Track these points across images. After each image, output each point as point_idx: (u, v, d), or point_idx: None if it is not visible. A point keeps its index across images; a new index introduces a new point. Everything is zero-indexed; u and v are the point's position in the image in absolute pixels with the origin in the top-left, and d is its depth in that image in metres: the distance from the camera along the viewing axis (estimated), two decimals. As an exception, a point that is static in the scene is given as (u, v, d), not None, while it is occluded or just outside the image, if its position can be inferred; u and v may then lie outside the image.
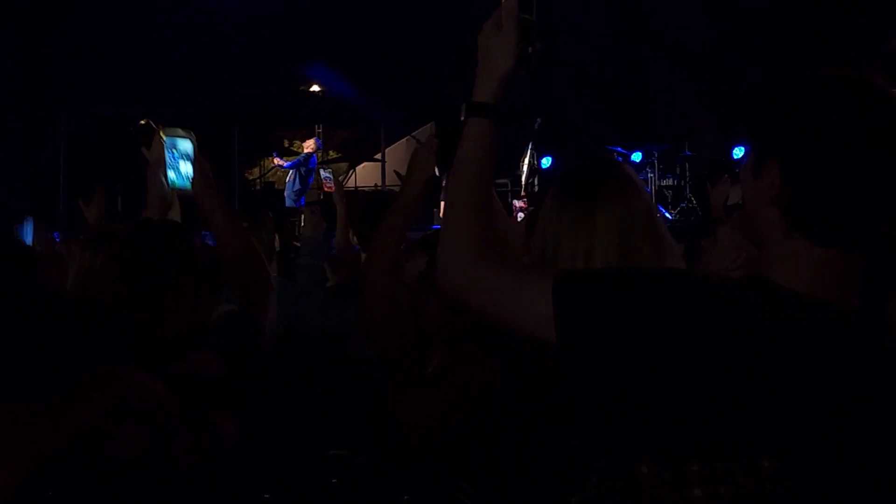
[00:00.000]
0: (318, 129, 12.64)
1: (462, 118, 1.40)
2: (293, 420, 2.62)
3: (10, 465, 1.50)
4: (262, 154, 13.67)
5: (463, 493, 1.83)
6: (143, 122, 2.62)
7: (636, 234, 1.66)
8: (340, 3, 11.52)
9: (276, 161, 12.19)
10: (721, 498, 1.11)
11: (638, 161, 10.62)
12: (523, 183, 9.92)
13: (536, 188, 10.09)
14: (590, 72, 11.57)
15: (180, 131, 2.38)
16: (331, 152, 13.94)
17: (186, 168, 2.35)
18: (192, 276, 2.06)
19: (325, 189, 4.84)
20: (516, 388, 1.81)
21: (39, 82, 10.65)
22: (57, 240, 6.46)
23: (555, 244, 1.68)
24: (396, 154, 13.20)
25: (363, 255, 3.35)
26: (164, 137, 2.34)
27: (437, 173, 2.31)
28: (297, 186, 11.51)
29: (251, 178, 13.98)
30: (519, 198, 8.56)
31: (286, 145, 13.72)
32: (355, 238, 3.75)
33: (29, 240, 4.36)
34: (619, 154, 10.22)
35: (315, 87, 13.41)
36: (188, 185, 2.33)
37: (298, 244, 4.01)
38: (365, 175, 13.22)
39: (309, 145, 11.90)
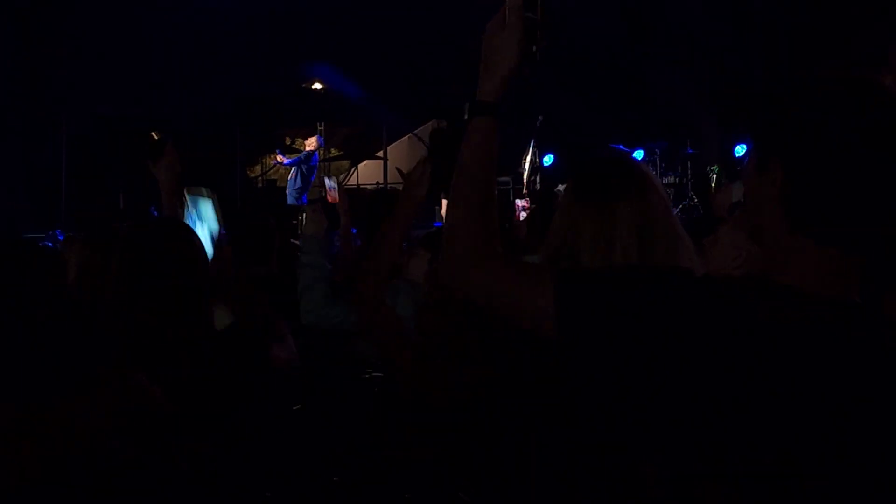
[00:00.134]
0: (320, 126, 12.63)
1: (465, 117, 1.40)
2: (293, 419, 2.62)
3: (18, 466, 1.50)
4: (263, 152, 13.67)
5: (463, 493, 1.83)
6: (156, 135, 2.70)
7: (655, 228, 1.66)
8: (342, 0, 11.51)
9: (278, 158, 12.18)
10: (722, 498, 1.11)
11: (639, 159, 10.60)
12: (525, 181, 9.92)
13: (538, 186, 10.08)
14: (591, 69, 11.56)
15: (204, 192, 2.44)
16: (333, 150, 13.94)
17: (203, 231, 2.41)
18: (192, 276, 2.06)
19: (329, 199, 4.80)
20: (516, 388, 1.81)
21: (40, 82, 10.64)
22: (60, 239, 6.48)
23: (574, 236, 1.68)
24: (398, 151, 13.21)
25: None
26: (187, 196, 2.40)
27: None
28: (299, 184, 11.51)
29: (253, 175, 13.98)
30: (521, 196, 8.55)
31: (288, 143, 13.72)
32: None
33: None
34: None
35: (317, 85, 13.40)
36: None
37: (299, 242, 4.01)
38: (367, 173, 13.22)
39: (310, 143, 11.90)
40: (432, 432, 2.04)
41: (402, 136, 13.48)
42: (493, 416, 1.93)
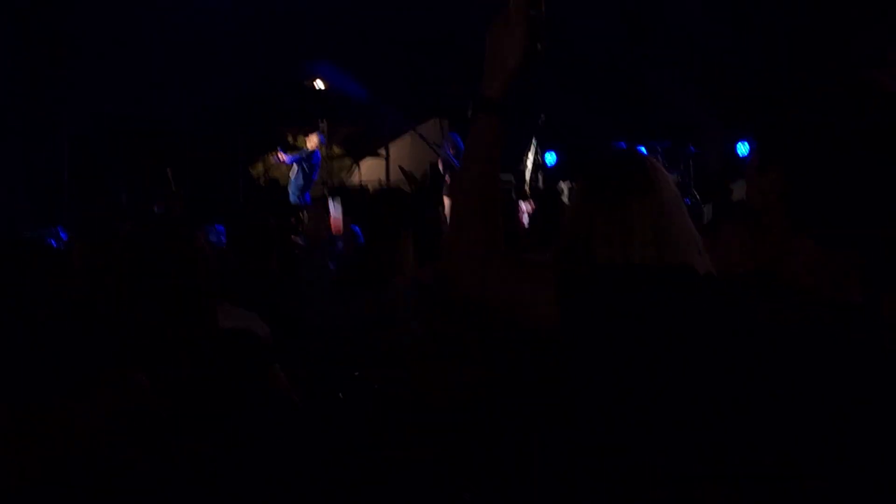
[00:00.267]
0: (322, 124, 12.63)
1: (469, 115, 1.39)
2: (293, 419, 2.61)
3: (18, 466, 1.50)
4: (265, 150, 13.67)
5: (463, 493, 1.83)
6: None
7: (670, 225, 1.66)
8: (342, 0, 11.50)
9: (279, 156, 12.18)
10: (722, 498, 1.11)
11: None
12: (527, 179, 9.91)
13: (540, 184, 10.08)
14: (591, 70, 11.56)
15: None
16: (334, 148, 13.93)
17: None
18: (192, 276, 2.05)
19: (333, 230, 4.69)
20: (516, 388, 1.81)
21: (40, 82, 10.64)
22: (63, 238, 6.49)
23: (588, 235, 1.68)
24: (400, 149, 13.20)
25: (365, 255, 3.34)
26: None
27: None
28: (301, 182, 11.49)
29: (255, 174, 13.98)
30: (525, 197, 8.52)
31: (290, 141, 13.71)
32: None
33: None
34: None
35: (319, 83, 13.40)
36: None
37: (300, 240, 4.01)
38: (369, 171, 13.22)
39: (311, 140, 11.89)
40: (432, 432, 2.04)
41: (403, 134, 13.47)
42: (493, 416, 1.93)
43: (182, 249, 2.07)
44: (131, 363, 1.80)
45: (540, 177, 10.19)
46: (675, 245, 1.65)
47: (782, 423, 1.10)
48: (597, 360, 1.19)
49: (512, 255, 1.38)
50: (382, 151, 12.77)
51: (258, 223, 3.54)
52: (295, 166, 11.65)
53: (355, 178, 13.46)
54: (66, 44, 10.57)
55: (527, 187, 9.82)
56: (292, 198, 11.45)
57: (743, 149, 10.35)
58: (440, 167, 9.67)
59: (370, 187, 10.99)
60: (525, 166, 9.88)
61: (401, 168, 10.20)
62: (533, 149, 9.86)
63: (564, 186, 9.04)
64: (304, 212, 8.73)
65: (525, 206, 7.49)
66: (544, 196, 7.13)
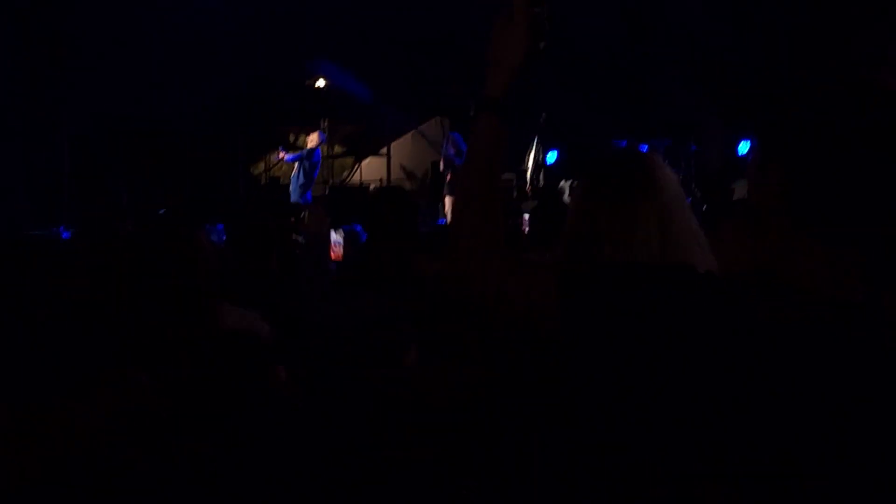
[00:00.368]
0: (324, 122, 12.63)
1: (472, 113, 1.39)
2: (293, 419, 2.62)
3: (18, 466, 1.50)
4: (267, 149, 13.68)
5: (463, 493, 1.83)
6: None
7: (673, 224, 1.65)
8: (342, 0, 11.50)
9: (280, 154, 12.18)
10: (722, 498, 1.11)
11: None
12: (528, 178, 9.92)
13: (542, 183, 10.09)
14: (591, 69, 11.55)
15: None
16: (336, 146, 13.94)
17: None
18: (192, 276, 2.05)
19: (333, 256, 4.65)
20: (516, 388, 1.80)
21: (40, 82, 10.64)
22: (65, 237, 6.49)
23: (590, 229, 1.67)
24: (402, 148, 13.21)
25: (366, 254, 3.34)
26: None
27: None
28: (302, 181, 11.50)
29: (256, 172, 13.98)
30: (526, 197, 8.51)
31: (291, 140, 13.72)
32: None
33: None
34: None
35: (320, 82, 13.40)
36: None
37: (301, 240, 4.01)
38: (370, 170, 13.23)
39: (312, 139, 11.89)
40: (432, 432, 2.03)
41: (405, 133, 13.48)
42: (493, 416, 1.92)
43: (182, 249, 2.07)
44: (131, 363, 1.80)
45: (541, 176, 10.20)
46: (678, 243, 1.64)
47: (782, 421, 1.09)
48: (597, 359, 1.19)
49: (513, 254, 1.38)
50: (384, 150, 12.77)
51: (258, 223, 3.53)
52: (296, 165, 11.66)
53: (356, 178, 13.47)
54: (66, 44, 10.57)
55: (528, 186, 9.83)
56: (293, 196, 11.46)
57: (744, 148, 10.34)
58: (441, 166, 9.68)
59: (371, 186, 11.00)
60: (527, 166, 9.89)
61: (402, 167, 10.21)
62: (534, 148, 9.87)
63: (566, 186, 9.05)
64: (305, 211, 8.73)
65: (528, 218, 7.47)
66: (546, 195, 7.13)
